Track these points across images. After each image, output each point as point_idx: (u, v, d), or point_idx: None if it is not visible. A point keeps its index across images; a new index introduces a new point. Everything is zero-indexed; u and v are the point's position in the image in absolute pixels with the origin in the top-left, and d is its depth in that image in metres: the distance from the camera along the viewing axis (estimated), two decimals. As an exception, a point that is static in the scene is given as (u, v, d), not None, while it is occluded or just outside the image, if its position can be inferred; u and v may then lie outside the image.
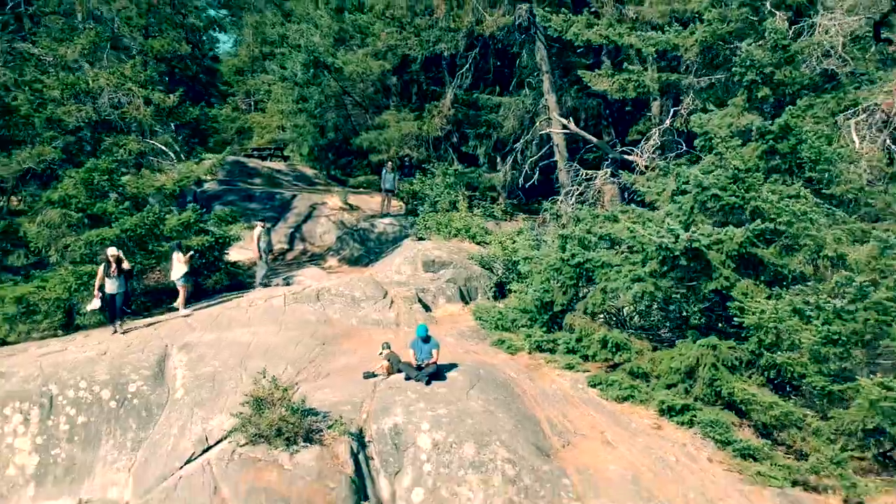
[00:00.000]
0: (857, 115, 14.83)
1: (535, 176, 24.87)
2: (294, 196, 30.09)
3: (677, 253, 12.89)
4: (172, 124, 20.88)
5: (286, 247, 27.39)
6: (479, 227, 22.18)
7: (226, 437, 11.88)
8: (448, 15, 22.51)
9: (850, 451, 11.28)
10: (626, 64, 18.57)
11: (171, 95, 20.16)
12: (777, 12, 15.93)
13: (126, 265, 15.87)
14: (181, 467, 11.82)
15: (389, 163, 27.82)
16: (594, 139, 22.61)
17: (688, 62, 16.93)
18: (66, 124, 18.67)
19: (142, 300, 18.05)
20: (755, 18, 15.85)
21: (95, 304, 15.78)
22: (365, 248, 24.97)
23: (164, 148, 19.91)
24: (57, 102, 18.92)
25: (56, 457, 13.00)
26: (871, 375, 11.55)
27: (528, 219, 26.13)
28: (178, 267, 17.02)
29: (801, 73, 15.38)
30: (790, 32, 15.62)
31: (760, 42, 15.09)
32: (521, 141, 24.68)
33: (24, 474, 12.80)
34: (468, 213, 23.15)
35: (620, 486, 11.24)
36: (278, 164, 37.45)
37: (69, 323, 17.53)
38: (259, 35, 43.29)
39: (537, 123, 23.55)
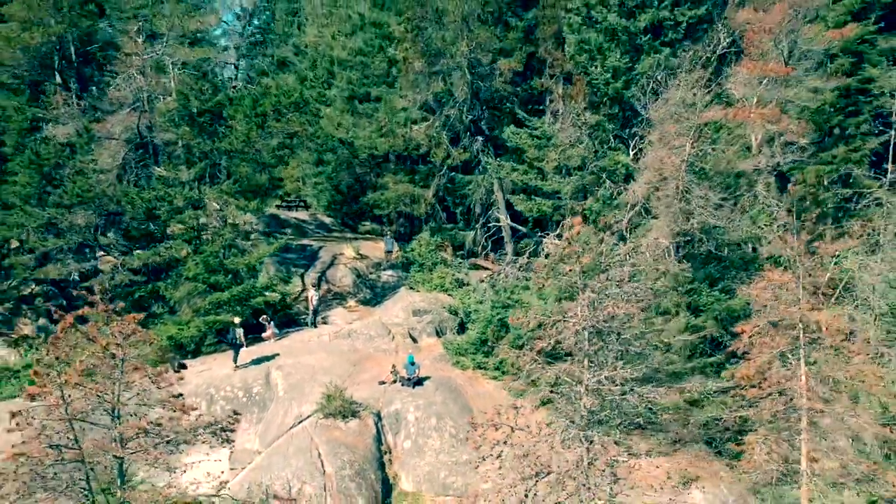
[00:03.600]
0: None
1: (494, 237, 37.82)
2: (320, 247, 42.96)
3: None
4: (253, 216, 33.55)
5: (315, 284, 40.30)
6: (451, 283, 35.08)
7: (312, 414, 24.91)
8: (428, 151, 35.41)
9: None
10: (533, 196, 31.43)
11: (251, 200, 32.94)
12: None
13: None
14: (289, 429, 24.85)
15: (389, 232, 40.80)
16: (522, 228, 35.52)
17: (566, 196, 29.68)
18: (189, 225, 31.52)
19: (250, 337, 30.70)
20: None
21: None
22: (373, 292, 37.93)
23: (249, 232, 32.79)
24: (181, 209, 31.79)
25: (216, 427, 26.01)
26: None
27: (489, 270, 39.03)
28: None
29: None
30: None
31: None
32: (483, 218, 37.55)
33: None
34: (445, 270, 35.95)
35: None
36: (302, 214, 50.33)
37: (197, 352, 30.49)
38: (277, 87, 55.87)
39: (492, 211, 36.46)
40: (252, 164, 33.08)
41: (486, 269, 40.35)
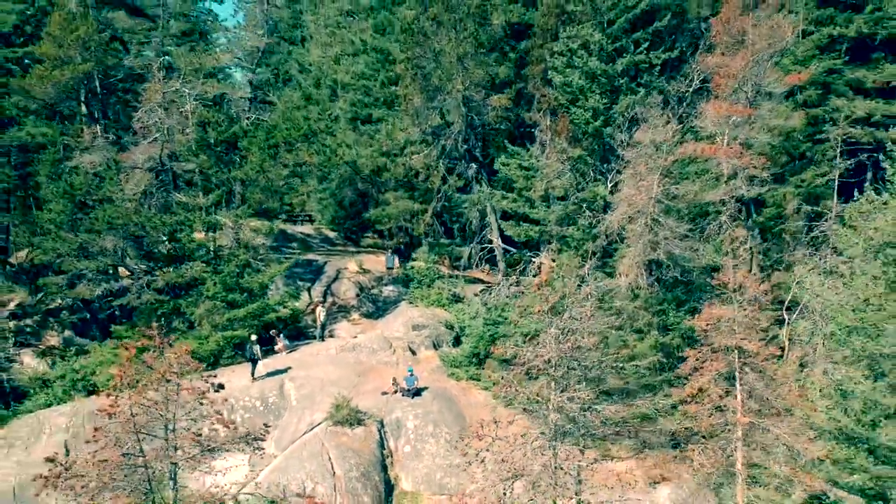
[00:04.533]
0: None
1: (490, 252, 41.39)
2: (325, 262, 46.48)
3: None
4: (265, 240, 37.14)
5: (321, 299, 43.84)
6: (447, 298, 38.58)
7: (322, 422, 28.45)
8: (426, 177, 38.93)
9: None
10: (521, 222, 34.92)
11: (266, 222, 36.45)
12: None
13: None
14: (302, 435, 28.38)
15: (390, 249, 44.32)
16: (513, 249, 39.00)
17: (550, 224, 33.15)
18: (207, 247, 35.02)
19: (264, 349, 34.27)
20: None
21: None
22: (375, 306, 41.44)
23: (260, 253, 36.31)
24: (200, 232, 35.28)
25: (249, 437, 29.52)
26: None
27: (484, 283, 42.54)
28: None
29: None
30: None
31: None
32: (478, 236, 41.07)
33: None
34: (442, 286, 39.44)
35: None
36: (307, 228, 53.84)
37: (215, 364, 33.99)
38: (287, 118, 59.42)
39: (485, 231, 39.97)
40: (265, 191, 36.53)
41: (482, 280, 43.91)
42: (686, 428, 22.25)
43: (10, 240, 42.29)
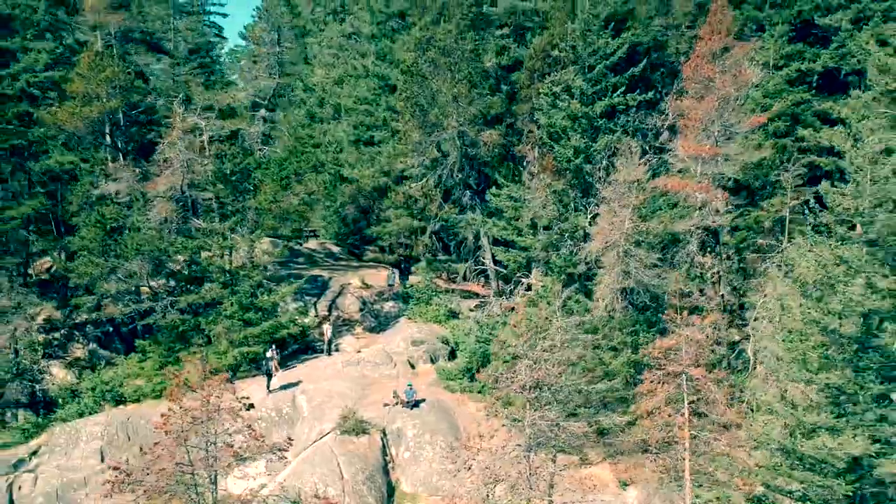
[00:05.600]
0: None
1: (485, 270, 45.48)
2: (330, 278, 50.54)
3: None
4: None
5: (327, 313, 47.93)
6: (444, 315, 42.65)
7: (331, 431, 32.56)
8: (424, 205, 43.07)
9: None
10: (510, 248, 38.98)
11: (280, 245, 40.47)
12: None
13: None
14: (313, 443, 32.49)
15: (391, 267, 48.38)
16: (504, 270, 43.08)
17: (536, 251, 37.26)
18: (224, 269, 39.07)
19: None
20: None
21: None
22: (377, 321, 45.52)
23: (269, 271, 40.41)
24: (217, 256, 39.35)
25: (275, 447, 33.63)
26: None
27: (479, 297, 46.61)
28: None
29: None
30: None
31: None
32: (473, 256, 45.16)
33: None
34: (439, 303, 43.49)
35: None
36: (313, 244, 57.87)
37: (233, 375, 38.10)
38: (293, 135, 63.46)
39: (479, 252, 44.06)
40: (277, 218, 40.61)
41: (477, 294, 48.03)
42: (642, 440, 26.33)
43: (31, 253, 46.31)
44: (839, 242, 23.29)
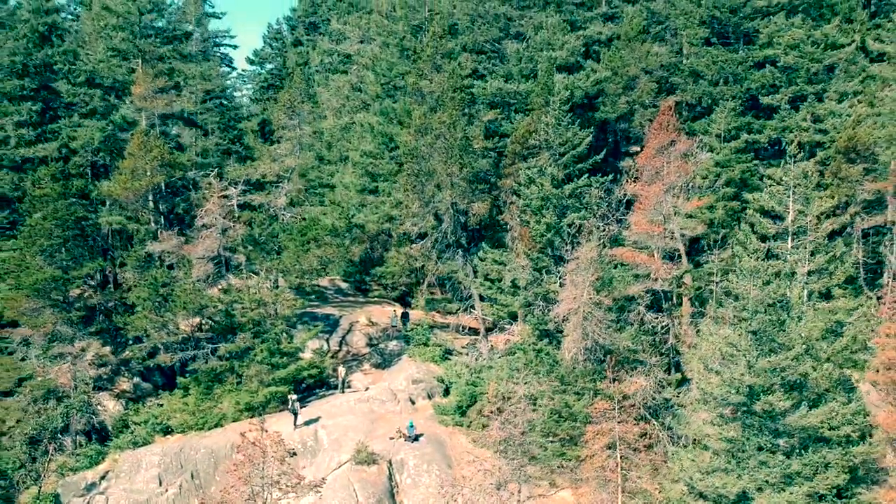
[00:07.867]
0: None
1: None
2: (341, 316, 59.30)
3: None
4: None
5: (337, 348, 56.80)
6: (439, 356, 51.50)
7: (347, 462, 41.47)
8: (422, 265, 51.89)
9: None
10: (494, 304, 47.77)
11: (291, 296, 49.30)
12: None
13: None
14: (333, 471, 41.41)
15: (395, 303, 57.27)
16: (491, 318, 51.87)
17: (516, 308, 46.00)
18: (255, 321, 47.84)
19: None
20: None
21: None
22: (383, 357, 54.39)
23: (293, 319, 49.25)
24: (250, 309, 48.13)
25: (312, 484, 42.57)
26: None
27: (473, 333, 55.43)
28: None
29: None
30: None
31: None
32: (465, 303, 54.02)
33: (275, 473, 42.47)
34: (437, 345, 52.29)
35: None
36: (324, 281, 66.67)
37: (263, 412, 46.92)
38: (302, 177, 72.13)
39: (470, 300, 52.88)
40: (299, 275, 49.46)
41: (471, 327, 56.91)
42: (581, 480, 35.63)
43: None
44: (732, 329, 32.20)
